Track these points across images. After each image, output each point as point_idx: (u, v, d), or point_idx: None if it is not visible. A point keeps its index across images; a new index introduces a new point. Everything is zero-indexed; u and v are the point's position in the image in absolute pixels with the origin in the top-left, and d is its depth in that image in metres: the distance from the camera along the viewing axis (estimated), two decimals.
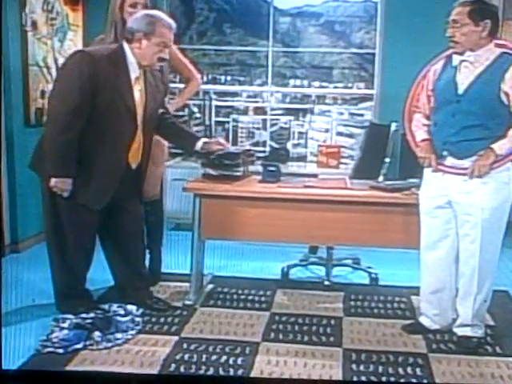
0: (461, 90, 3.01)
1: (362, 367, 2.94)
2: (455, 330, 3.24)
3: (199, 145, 3.54)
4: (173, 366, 2.91)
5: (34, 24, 4.59)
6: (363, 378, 2.86)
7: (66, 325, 3.19)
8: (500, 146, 2.95)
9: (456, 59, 3.05)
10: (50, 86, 4.79)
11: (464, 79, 3.01)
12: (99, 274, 3.58)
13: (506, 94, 2.94)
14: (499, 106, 2.96)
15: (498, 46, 3.07)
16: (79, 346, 3.04)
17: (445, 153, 3.08)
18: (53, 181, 3.15)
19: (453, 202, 3.09)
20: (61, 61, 4.94)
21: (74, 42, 5.16)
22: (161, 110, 3.50)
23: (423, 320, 3.35)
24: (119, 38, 3.52)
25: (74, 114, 3.09)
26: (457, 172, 3.05)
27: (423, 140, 3.20)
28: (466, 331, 3.18)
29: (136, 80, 3.24)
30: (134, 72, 3.22)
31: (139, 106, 3.26)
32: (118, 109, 3.18)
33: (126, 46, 3.21)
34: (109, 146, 3.19)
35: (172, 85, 4.30)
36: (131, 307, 3.41)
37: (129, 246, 3.49)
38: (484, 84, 2.96)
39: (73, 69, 3.13)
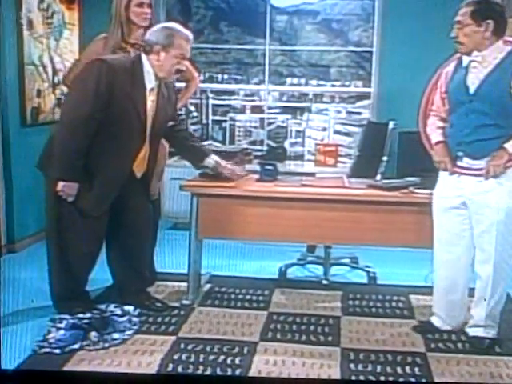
0: (472, 90, 2.98)
1: (360, 366, 2.93)
2: (467, 330, 3.21)
3: (210, 162, 3.56)
4: (170, 366, 2.90)
5: (30, 23, 4.57)
6: (361, 378, 2.85)
7: (62, 325, 3.18)
8: None
9: (465, 60, 3.03)
10: (46, 85, 4.81)
11: (474, 79, 2.98)
12: (96, 274, 3.55)
13: None
14: (511, 104, 2.93)
15: (508, 43, 3.03)
16: (76, 346, 3.03)
17: (460, 153, 3.04)
18: (60, 185, 3.16)
19: (468, 202, 3.05)
20: (57, 60, 4.93)
21: (70, 40, 5.15)
22: (171, 123, 3.50)
23: (434, 320, 3.32)
24: (126, 38, 3.55)
25: (88, 122, 3.11)
26: (472, 173, 3.01)
27: (438, 142, 3.16)
28: (479, 332, 3.15)
29: (150, 91, 3.25)
30: (150, 83, 3.24)
31: (150, 116, 3.27)
32: (130, 118, 3.19)
33: (143, 57, 3.23)
34: (115, 153, 3.19)
35: None
36: (128, 307, 3.40)
37: (133, 247, 3.47)
38: (494, 83, 2.93)
39: (91, 76, 3.13)
